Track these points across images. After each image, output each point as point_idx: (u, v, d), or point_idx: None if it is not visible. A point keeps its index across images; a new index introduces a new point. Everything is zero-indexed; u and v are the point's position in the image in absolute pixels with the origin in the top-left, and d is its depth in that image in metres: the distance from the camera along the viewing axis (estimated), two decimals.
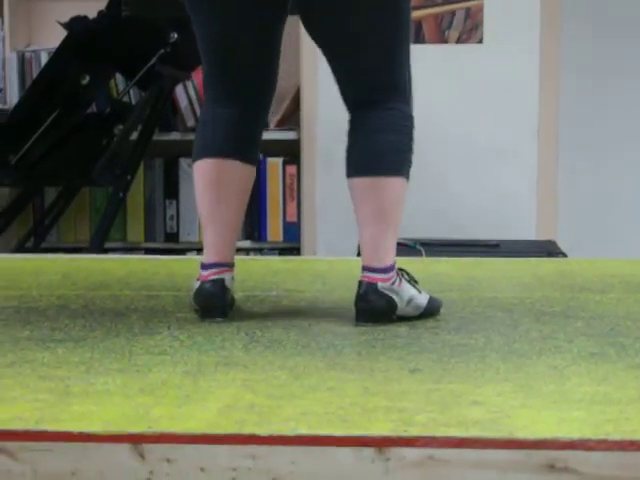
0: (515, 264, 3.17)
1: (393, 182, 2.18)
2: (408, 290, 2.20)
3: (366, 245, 2.18)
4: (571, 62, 4.42)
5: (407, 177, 2.20)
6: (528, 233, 4.38)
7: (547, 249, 3.91)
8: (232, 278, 2.23)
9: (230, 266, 2.23)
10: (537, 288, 2.70)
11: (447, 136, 4.44)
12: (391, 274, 2.16)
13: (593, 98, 4.50)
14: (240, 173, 2.23)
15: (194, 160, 2.25)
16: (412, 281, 2.25)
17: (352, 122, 2.23)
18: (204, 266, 2.21)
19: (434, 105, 4.39)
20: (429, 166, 4.43)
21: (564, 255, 3.80)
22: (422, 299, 2.22)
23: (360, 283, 2.16)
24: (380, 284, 2.14)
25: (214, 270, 2.20)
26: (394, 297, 2.16)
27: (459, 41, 4.38)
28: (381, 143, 2.18)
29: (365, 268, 2.17)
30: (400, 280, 2.19)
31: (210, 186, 2.22)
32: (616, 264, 3.09)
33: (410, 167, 2.22)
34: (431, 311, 2.24)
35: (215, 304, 2.19)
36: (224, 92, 2.26)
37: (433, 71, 4.39)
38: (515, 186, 4.44)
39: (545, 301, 2.43)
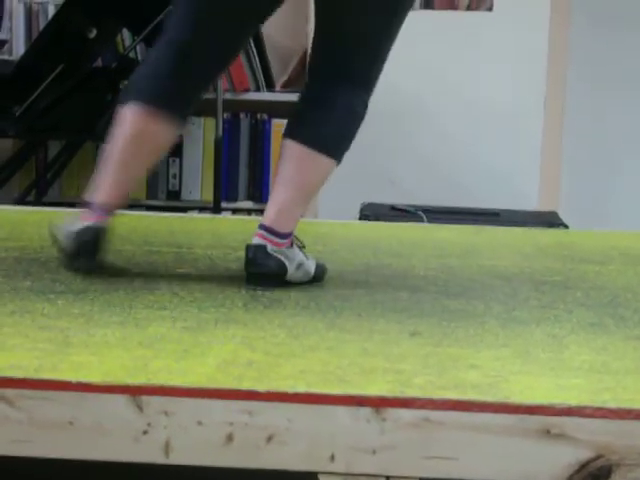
0: (515, 233, 3.17)
1: (327, 162, 2.15)
2: (298, 254, 2.15)
3: (276, 206, 2.13)
4: (581, 35, 4.40)
5: (339, 162, 2.18)
6: (530, 204, 4.37)
7: (548, 220, 3.91)
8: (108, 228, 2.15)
9: (114, 215, 2.15)
10: (537, 258, 2.70)
11: (452, 105, 4.42)
12: (286, 241, 2.12)
13: (600, 70, 4.47)
14: (167, 130, 2.15)
15: (126, 100, 2.14)
16: (300, 246, 2.20)
17: (318, 92, 2.19)
18: (90, 205, 2.13)
19: (440, 72, 4.38)
20: (433, 135, 4.42)
21: (565, 226, 3.80)
22: (310, 265, 2.18)
23: (248, 246, 2.10)
24: (270, 246, 2.09)
25: (99, 214, 2.11)
26: (285, 260, 2.11)
27: (469, 8, 4.36)
28: (336, 123, 2.16)
29: (263, 227, 2.11)
30: (292, 244, 2.14)
31: (134, 137, 2.12)
32: (616, 236, 3.09)
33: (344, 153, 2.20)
34: (319, 277, 2.19)
35: (89, 252, 2.11)
36: (183, 51, 2.15)
37: (441, 37, 4.37)
38: (519, 157, 4.43)
39: (545, 271, 2.43)
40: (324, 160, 2.15)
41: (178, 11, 2.18)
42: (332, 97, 2.17)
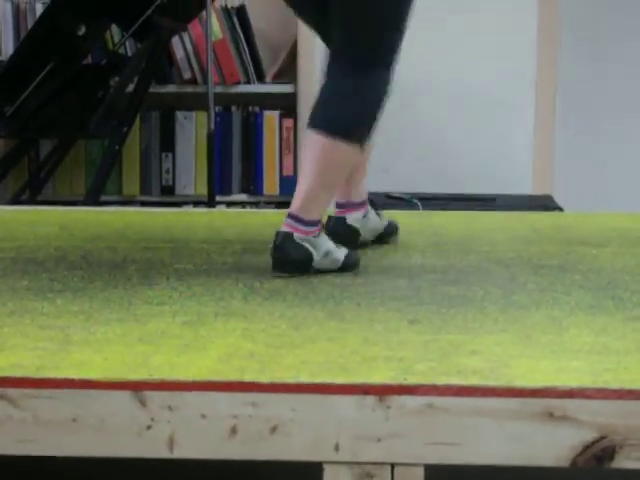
0: (512, 218, 3.17)
1: (346, 147, 2.17)
2: (326, 243, 2.19)
3: (300, 195, 2.17)
4: (571, 15, 4.40)
5: (360, 144, 2.21)
6: (525, 188, 4.37)
7: (544, 204, 3.90)
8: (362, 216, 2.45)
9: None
10: (534, 242, 2.70)
11: (444, 90, 4.42)
12: (314, 229, 2.17)
13: (592, 51, 4.47)
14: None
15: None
16: (331, 235, 2.25)
17: (331, 77, 2.29)
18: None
19: (431, 57, 4.37)
20: (425, 121, 4.42)
21: (561, 210, 3.80)
22: (339, 253, 2.21)
23: (277, 233, 2.15)
24: (296, 234, 2.14)
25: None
26: (311, 248, 2.15)
27: None
28: (350, 107, 2.21)
29: (290, 215, 2.16)
30: (320, 232, 2.19)
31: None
32: (613, 218, 3.09)
33: (367, 134, 2.23)
34: (348, 265, 2.22)
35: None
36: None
37: (430, 20, 4.36)
38: (512, 141, 4.43)
39: (542, 254, 2.43)
40: (342, 145, 2.17)
41: None
42: (344, 81, 2.24)
